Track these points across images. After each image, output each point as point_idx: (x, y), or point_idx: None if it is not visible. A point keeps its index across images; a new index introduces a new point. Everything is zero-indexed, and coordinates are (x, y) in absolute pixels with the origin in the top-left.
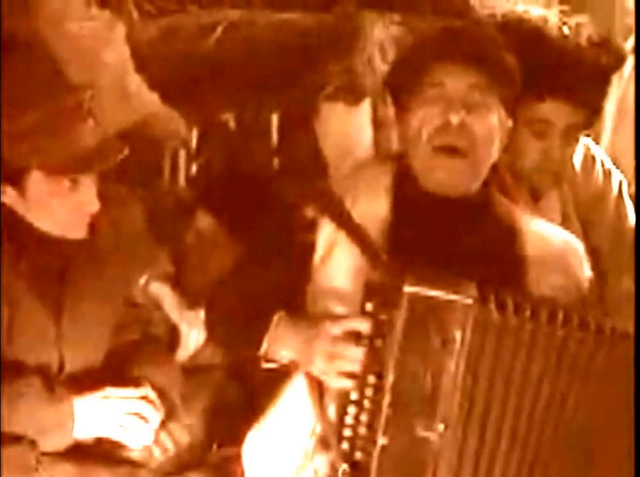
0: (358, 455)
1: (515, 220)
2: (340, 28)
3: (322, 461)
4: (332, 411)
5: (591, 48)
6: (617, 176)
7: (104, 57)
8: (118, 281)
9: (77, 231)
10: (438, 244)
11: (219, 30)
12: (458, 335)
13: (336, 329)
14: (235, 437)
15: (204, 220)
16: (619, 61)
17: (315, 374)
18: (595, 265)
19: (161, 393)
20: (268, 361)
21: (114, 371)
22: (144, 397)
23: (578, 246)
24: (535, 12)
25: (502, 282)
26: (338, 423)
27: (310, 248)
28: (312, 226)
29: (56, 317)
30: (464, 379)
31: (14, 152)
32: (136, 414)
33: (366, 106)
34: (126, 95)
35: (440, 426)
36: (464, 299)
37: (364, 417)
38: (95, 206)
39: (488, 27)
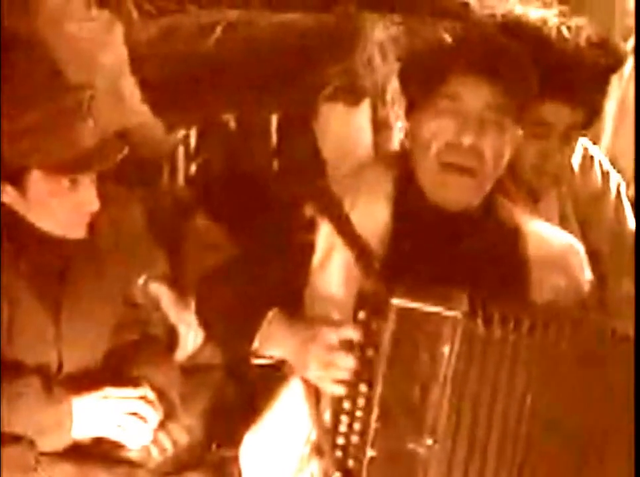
0: (351, 463)
1: (517, 222)
2: (340, 29)
3: (317, 466)
4: (327, 416)
5: (590, 49)
6: (615, 177)
7: (101, 60)
8: (118, 281)
9: (76, 231)
10: (439, 249)
11: (219, 30)
12: (446, 349)
13: (333, 336)
14: (234, 438)
15: (203, 220)
16: (619, 61)
17: (310, 379)
18: (595, 268)
19: (160, 393)
20: (259, 357)
21: (113, 371)
22: (142, 397)
23: (579, 248)
24: (535, 13)
25: (504, 286)
26: (332, 430)
27: (309, 248)
28: (311, 227)
29: (55, 316)
30: (452, 392)
31: (14, 151)
32: (135, 414)
33: (365, 107)
34: (121, 98)
35: (429, 441)
36: (452, 312)
37: (356, 426)
38: (94, 206)
39: (495, 31)
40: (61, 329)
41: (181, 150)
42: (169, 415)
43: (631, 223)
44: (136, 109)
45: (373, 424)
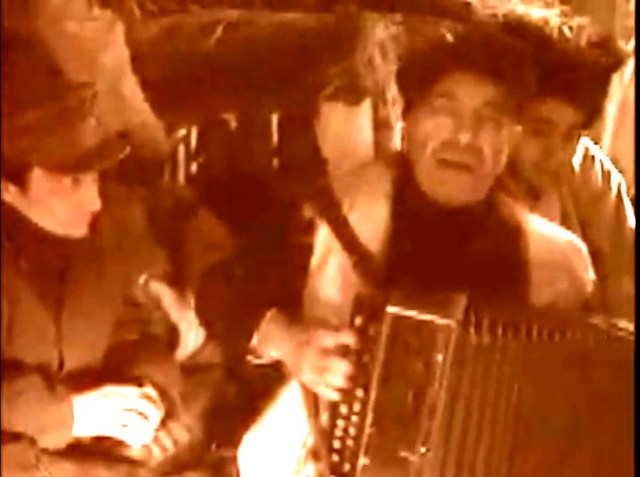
0: (347, 467)
1: (519, 220)
2: (341, 28)
3: (313, 469)
4: (324, 419)
5: (591, 49)
6: (616, 177)
7: (102, 59)
8: (119, 280)
9: (77, 230)
10: (439, 249)
11: (220, 29)
12: (439, 357)
13: (328, 341)
14: (234, 438)
15: (204, 220)
16: (619, 61)
17: (305, 383)
18: (596, 267)
19: (162, 392)
20: (257, 356)
21: (114, 370)
22: (144, 395)
23: (581, 247)
24: (536, 13)
25: (504, 287)
26: (329, 434)
27: (307, 249)
28: (310, 228)
29: (56, 315)
30: (445, 400)
31: (15, 149)
32: (137, 412)
33: (366, 107)
34: (122, 97)
35: (422, 449)
36: (446, 320)
37: (352, 431)
38: (96, 204)
39: (496, 30)
40: (62, 328)
41: (182, 149)
42: (170, 414)
43: (632, 222)
44: (137, 108)
45: (368, 430)
